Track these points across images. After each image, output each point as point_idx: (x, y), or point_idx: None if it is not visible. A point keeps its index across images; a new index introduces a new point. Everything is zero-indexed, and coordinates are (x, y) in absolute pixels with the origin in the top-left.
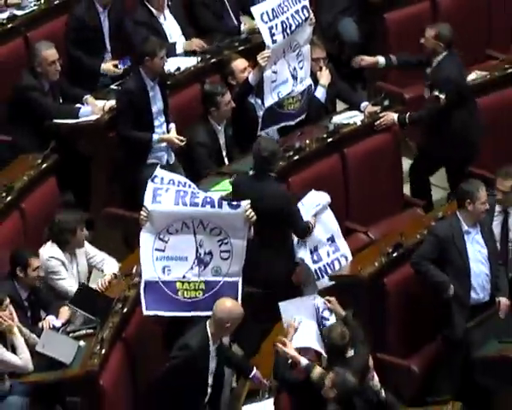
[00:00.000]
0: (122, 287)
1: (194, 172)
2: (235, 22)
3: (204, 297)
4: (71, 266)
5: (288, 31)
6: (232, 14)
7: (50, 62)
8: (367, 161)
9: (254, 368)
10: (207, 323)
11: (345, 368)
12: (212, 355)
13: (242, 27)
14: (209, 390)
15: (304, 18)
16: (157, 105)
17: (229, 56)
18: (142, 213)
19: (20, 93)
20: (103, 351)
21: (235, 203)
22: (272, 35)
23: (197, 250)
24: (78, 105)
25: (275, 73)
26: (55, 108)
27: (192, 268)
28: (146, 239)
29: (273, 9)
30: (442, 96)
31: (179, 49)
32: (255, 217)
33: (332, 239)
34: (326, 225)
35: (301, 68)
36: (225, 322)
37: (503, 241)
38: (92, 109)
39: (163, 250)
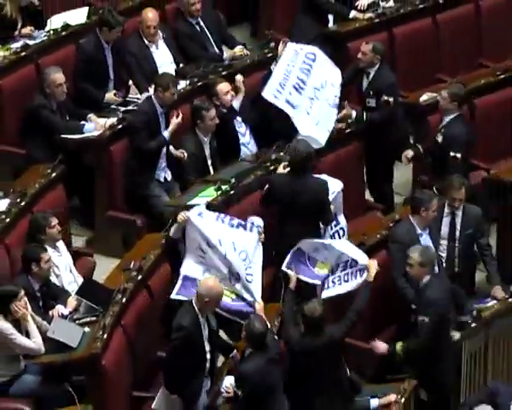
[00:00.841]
0: (121, 280)
1: (182, 178)
2: (217, 51)
3: (232, 304)
4: (58, 258)
5: (303, 85)
6: (214, 44)
7: (58, 85)
8: (333, 172)
9: (235, 350)
10: (193, 301)
11: (317, 338)
12: (203, 326)
13: (225, 55)
14: (208, 356)
15: (311, 60)
16: (164, 130)
17: (214, 80)
18: (181, 215)
19: (32, 111)
20: (105, 336)
21: (256, 225)
22: (292, 105)
23: (229, 268)
24: (82, 122)
25: (308, 114)
26: (63, 124)
27: (225, 279)
28: (191, 243)
29: (280, 83)
30: (391, 99)
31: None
32: (263, 236)
33: (335, 214)
34: (334, 205)
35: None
36: (205, 298)
37: (451, 238)
38: (95, 126)
39: (204, 258)
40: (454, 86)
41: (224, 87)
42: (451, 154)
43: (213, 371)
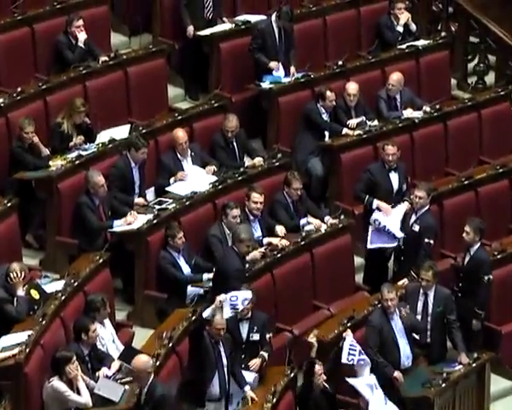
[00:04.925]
0: (155, 347)
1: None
2: (240, 161)
3: None
4: (103, 331)
5: None
6: (238, 156)
7: (100, 186)
8: (329, 258)
9: None
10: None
11: None
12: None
13: (246, 163)
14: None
15: None
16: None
17: (248, 191)
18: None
19: (78, 208)
20: None
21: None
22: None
23: None
24: (113, 221)
25: None
26: (97, 222)
27: None
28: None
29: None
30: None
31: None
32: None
33: None
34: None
35: None
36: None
37: (424, 314)
38: (122, 222)
39: None
40: (425, 184)
41: (256, 197)
42: (426, 240)
43: None
